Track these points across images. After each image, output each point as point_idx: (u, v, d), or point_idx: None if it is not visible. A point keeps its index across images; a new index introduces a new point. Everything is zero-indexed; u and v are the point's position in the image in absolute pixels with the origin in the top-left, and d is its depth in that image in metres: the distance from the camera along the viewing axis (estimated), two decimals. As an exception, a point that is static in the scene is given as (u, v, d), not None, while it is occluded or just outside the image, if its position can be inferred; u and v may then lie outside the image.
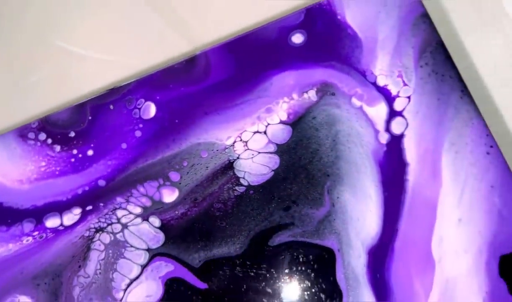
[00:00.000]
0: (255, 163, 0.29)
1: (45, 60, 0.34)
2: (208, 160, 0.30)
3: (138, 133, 0.30)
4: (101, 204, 0.29)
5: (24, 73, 0.34)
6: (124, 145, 0.30)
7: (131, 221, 0.29)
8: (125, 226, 0.29)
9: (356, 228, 0.28)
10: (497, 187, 0.28)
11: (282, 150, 0.29)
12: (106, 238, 0.29)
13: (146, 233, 0.29)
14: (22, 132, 0.30)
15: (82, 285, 0.29)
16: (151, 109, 0.30)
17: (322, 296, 0.28)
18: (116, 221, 0.29)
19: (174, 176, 0.29)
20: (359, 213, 0.28)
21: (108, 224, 0.29)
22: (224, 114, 0.30)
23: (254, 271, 0.28)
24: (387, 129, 0.29)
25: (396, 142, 0.28)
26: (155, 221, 0.29)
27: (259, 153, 0.29)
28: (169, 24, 0.34)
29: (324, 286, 0.28)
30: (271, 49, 0.30)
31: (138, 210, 0.29)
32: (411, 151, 0.28)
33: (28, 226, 0.29)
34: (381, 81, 0.29)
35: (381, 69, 0.29)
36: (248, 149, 0.29)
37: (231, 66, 0.30)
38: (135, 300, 0.28)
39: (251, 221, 0.29)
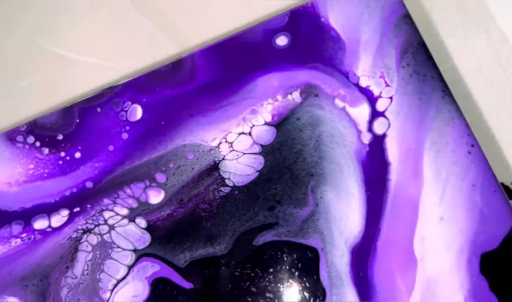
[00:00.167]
0: (240, 163, 0.30)
1: (35, 65, 0.35)
2: (193, 161, 0.30)
3: (125, 136, 0.30)
4: (89, 206, 0.30)
5: (14, 77, 0.35)
6: (111, 148, 0.30)
7: (118, 222, 0.30)
8: (112, 227, 0.30)
9: (340, 227, 0.28)
10: (478, 185, 0.28)
11: (266, 151, 0.30)
12: (93, 239, 0.30)
13: (132, 234, 0.29)
14: (11, 136, 0.31)
15: (69, 285, 0.29)
16: (137, 112, 0.31)
17: (306, 294, 0.28)
18: (103, 222, 0.30)
19: (160, 177, 0.30)
20: (342, 212, 0.28)
21: (95, 225, 0.30)
22: (209, 116, 0.30)
23: (239, 270, 0.29)
24: (370, 129, 0.29)
25: (378, 142, 0.29)
26: (142, 222, 0.29)
27: (244, 153, 0.30)
28: (158, 28, 0.35)
29: (308, 285, 0.28)
30: (255, 51, 0.31)
31: (124, 211, 0.30)
32: (393, 150, 0.29)
33: (16, 228, 0.30)
34: (363, 82, 0.30)
35: (364, 70, 0.30)
36: (233, 150, 0.30)
37: (216, 69, 0.31)
38: (122, 300, 0.29)
39: (236, 221, 0.29)
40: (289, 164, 0.29)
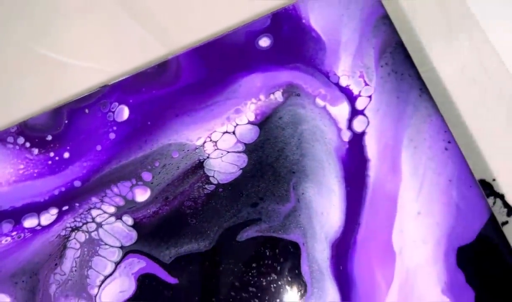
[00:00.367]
0: (224, 162, 0.30)
1: (26, 68, 0.36)
2: (179, 160, 0.31)
3: (112, 136, 0.31)
4: (77, 204, 0.31)
5: (5, 81, 0.36)
6: (98, 147, 0.31)
7: (105, 220, 0.30)
8: (99, 225, 0.30)
9: (320, 222, 0.29)
10: (454, 181, 0.29)
11: (250, 149, 0.30)
12: (81, 236, 0.30)
13: (119, 231, 0.30)
14: (2, 137, 0.31)
15: (58, 282, 0.30)
16: (124, 112, 0.31)
17: (288, 288, 0.29)
18: (91, 220, 0.30)
19: (146, 176, 0.31)
20: (323, 208, 0.29)
21: (84, 223, 0.30)
22: (194, 116, 0.31)
23: (223, 265, 0.29)
24: (349, 127, 0.30)
25: (357, 139, 0.30)
26: (128, 219, 0.30)
27: (228, 152, 0.31)
28: (146, 32, 0.36)
29: (289, 279, 0.29)
30: (239, 52, 0.32)
31: (112, 209, 0.30)
32: (372, 147, 0.29)
33: (7, 226, 0.30)
34: (343, 82, 0.30)
35: (344, 70, 0.31)
36: (218, 149, 0.31)
37: (201, 70, 0.32)
38: (109, 295, 0.29)
39: (220, 217, 0.30)
40: (271, 162, 0.30)
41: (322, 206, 0.29)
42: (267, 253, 0.29)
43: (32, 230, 0.30)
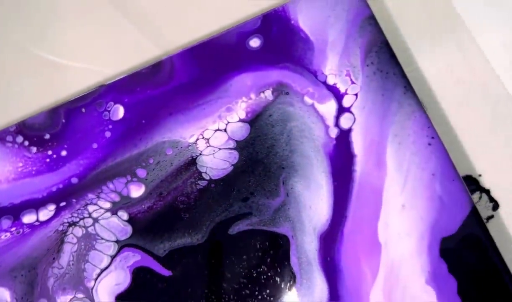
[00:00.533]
0: (216, 158, 0.32)
1: (24, 69, 0.37)
2: (172, 157, 0.32)
3: (108, 134, 0.32)
4: (74, 200, 0.32)
5: (4, 82, 0.37)
6: (95, 146, 0.32)
7: (101, 215, 0.31)
8: (96, 220, 0.31)
9: (309, 216, 0.30)
10: (438, 175, 0.30)
11: (241, 146, 0.32)
12: (78, 231, 0.31)
13: (115, 226, 0.31)
14: (1, 136, 0.33)
15: (56, 276, 0.31)
16: (119, 112, 0.32)
17: (277, 279, 0.30)
18: (87, 215, 0.31)
19: (141, 173, 0.32)
20: (311, 202, 0.30)
21: (80, 219, 0.31)
22: (187, 114, 0.32)
23: (215, 258, 0.30)
24: (337, 124, 0.31)
25: (344, 136, 0.31)
26: (124, 214, 0.31)
27: (220, 149, 0.32)
28: (141, 33, 0.37)
29: (279, 270, 0.30)
30: (230, 53, 0.33)
31: (107, 205, 0.31)
32: (358, 143, 0.30)
33: (6, 222, 0.31)
34: (331, 80, 0.32)
35: (331, 69, 0.32)
36: (210, 146, 0.32)
37: (194, 70, 0.33)
38: (105, 288, 0.30)
39: (212, 212, 0.31)
40: (262, 158, 0.31)
41: (310, 200, 0.30)
42: (258, 246, 0.30)
43: (31, 226, 0.31)
